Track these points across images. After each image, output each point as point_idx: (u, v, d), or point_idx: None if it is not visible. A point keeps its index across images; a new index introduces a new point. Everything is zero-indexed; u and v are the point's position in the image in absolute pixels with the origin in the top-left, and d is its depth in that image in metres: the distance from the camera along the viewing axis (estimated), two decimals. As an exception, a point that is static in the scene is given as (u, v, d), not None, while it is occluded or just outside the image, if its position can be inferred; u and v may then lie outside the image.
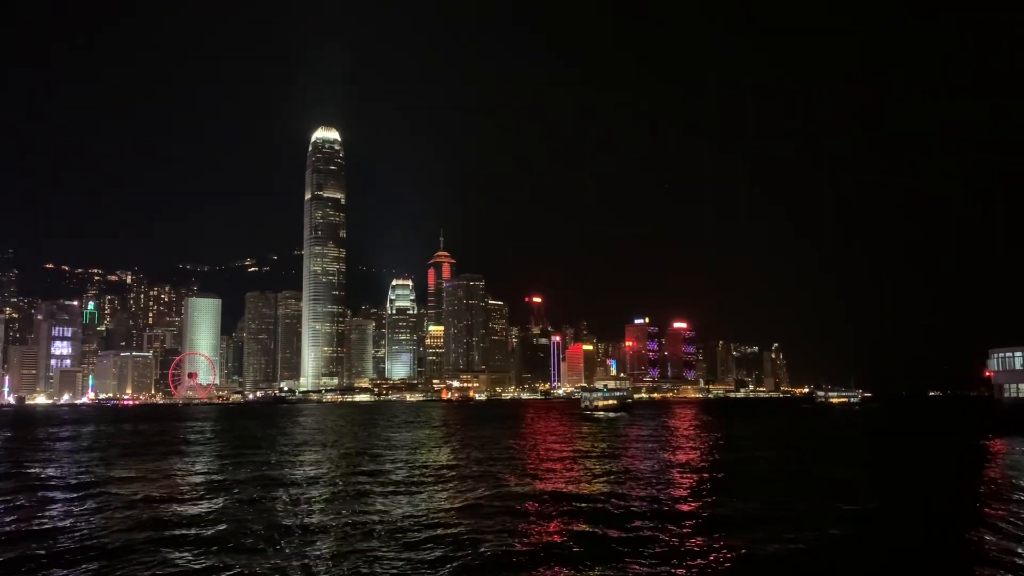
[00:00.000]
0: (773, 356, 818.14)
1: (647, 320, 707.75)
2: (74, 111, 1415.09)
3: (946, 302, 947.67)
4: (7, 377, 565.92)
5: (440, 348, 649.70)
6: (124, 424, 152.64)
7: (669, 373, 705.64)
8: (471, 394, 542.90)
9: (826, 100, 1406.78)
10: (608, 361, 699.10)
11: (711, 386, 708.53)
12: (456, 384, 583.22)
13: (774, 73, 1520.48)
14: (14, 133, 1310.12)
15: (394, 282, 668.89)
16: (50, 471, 53.92)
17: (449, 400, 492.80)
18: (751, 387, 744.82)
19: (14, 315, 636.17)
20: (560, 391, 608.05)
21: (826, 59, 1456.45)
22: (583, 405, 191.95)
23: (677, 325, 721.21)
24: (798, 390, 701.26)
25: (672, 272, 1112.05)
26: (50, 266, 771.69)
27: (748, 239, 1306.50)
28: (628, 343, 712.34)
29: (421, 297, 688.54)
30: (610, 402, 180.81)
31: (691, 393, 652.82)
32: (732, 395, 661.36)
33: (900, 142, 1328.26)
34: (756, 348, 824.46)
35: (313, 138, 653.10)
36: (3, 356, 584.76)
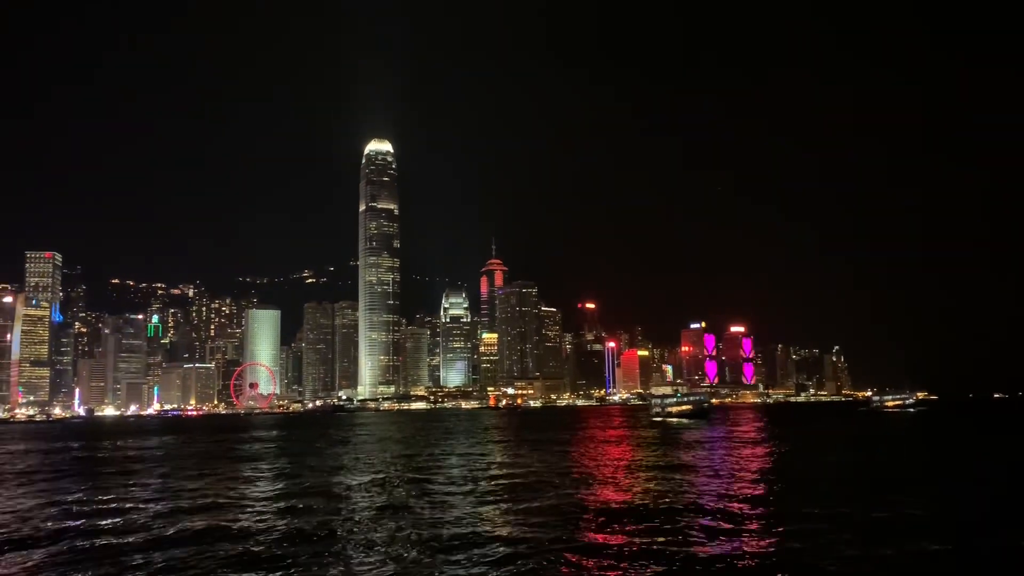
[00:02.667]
0: (834, 359, 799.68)
1: (703, 324, 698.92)
2: (133, 129, 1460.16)
3: (1018, 302, 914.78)
4: (77, 390, 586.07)
5: (494, 355, 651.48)
6: (192, 434, 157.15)
7: (727, 378, 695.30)
8: (519, 401, 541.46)
9: (890, 92, 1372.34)
10: (664, 367, 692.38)
11: (770, 390, 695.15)
12: (510, 391, 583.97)
13: (840, 64, 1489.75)
14: (78, 153, 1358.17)
15: (447, 291, 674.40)
16: (135, 480, 56.12)
17: (497, 407, 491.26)
18: (812, 391, 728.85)
19: (83, 329, 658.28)
20: (615, 397, 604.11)
21: (892, 49, 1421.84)
22: (653, 411, 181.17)
23: (734, 329, 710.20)
24: (860, 394, 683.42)
25: (729, 275, 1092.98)
26: (116, 281, 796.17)
27: (808, 240, 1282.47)
28: (684, 348, 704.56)
29: (474, 305, 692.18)
30: (685, 407, 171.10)
31: (750, 398, 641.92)
32: (792, 399, 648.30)
33: (966, 137, 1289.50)
34: (816, 351, 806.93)
35: (366, 150, 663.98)
36: (73, 369, 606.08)
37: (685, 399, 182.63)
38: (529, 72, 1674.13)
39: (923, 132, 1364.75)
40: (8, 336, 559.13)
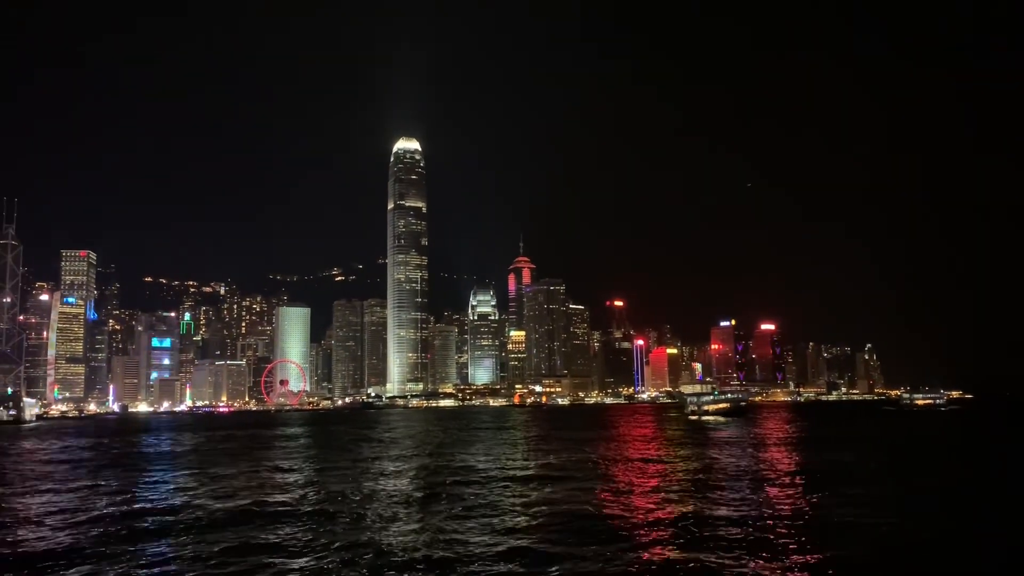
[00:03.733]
0: (866, 357, 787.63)
1: (733, 322, 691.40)
2: (167, 130, 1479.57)
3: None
4: (112, 386, 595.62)
5: (522, 353, 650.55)
6: (232, 430, 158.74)
7: (757, 376, 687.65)
8: (543, 400, 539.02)
9: (921, 86, 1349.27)
10: (693, 365, 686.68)
11: (801, 389, 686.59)
12: (538, 389, 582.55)
13: (868, 59, 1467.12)
14: (112, 153, 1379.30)
15: (475, 288, 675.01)
16: (169, 473, 56.76)
17: (522, 404, 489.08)
18: (843, 389, 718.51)
19: (117, 327, 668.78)
20: (644, 396, 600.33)
21: (925, 42, 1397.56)
22: (689, 409, 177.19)
23: (764, 327, 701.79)
24: (893, 392, 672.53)
25: (758, 273, 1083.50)
26: (149, 279, 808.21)
27: (838, 236, 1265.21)
28: (714, 346, 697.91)
29: (502, 302, 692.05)
30: (722, 406, 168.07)
31: (780, 396, 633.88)
32: (823, 398, 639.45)
33: (1004, 133, 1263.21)
34: (848, 349, 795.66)
35: (394, 149, 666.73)
36: (108, 366, 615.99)
37: (722, 397, 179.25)
38: (560, 69, 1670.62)
39: (958, 123, 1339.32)
40: (45, 333, 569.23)
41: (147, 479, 55.40)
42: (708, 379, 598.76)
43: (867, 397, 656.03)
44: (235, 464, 64.11)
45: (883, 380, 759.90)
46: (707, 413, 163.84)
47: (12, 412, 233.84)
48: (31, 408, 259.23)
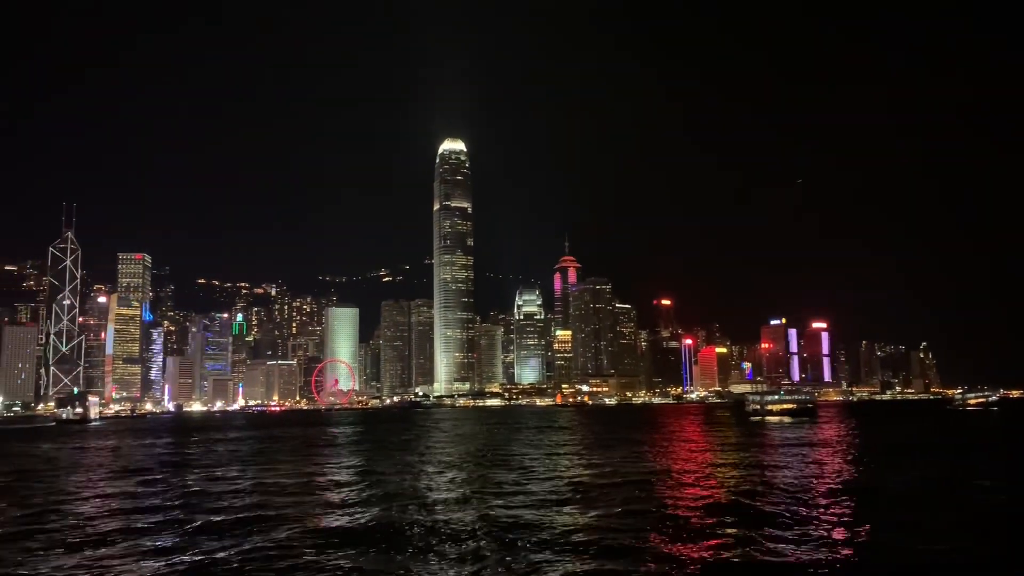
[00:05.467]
0: (921, 356, 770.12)
1: (783, 321, 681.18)
2: (218, 136, 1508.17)
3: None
4: (167, 386, 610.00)
5: (568, 353, 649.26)
6: (289, 428, 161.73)
7: (808, 375, 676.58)
8: (586, 399, 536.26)
9: (980, 81, 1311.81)
10: (744, 364, 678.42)
11: (854, 388, 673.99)
12: (585, 388, 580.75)
13: (915, 59, 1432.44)
14: (165, 158, 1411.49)
15: (521, 288, 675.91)
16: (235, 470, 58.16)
17: (564, 404, 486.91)
18: (898, 389, 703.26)
19: (171, 328, 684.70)
20: (693, 395, 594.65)
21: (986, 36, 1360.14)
22: (750, 409, 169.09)
23: (816, 325, 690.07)
24: (950, 391, 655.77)
25: (810, 270, 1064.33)
26: (202, 281, 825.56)
27: (893, 232, 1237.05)
28: (764, 345, 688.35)
29: (548, 302, 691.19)
30: (787, 406, 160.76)
31: (832, 396, 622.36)
32: (877, 397, 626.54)
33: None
34: (903, 347, 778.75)
35: (440, 150, 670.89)
36: (163, 366, 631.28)
37: (787, 397, 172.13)
38: (605, 69, 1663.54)
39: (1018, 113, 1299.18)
40: (103, 335, 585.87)
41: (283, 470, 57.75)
42: (758, 378, 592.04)
43: (922, 397, 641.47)
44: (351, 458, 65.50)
45: (939, 379, 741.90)
46: (770, 413, 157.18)
47: (78, 411, 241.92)
48: (95, 407, 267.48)
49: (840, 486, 44.54)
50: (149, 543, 30.32)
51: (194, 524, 34.05)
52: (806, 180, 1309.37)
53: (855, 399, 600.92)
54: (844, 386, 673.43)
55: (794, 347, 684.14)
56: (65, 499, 44.44)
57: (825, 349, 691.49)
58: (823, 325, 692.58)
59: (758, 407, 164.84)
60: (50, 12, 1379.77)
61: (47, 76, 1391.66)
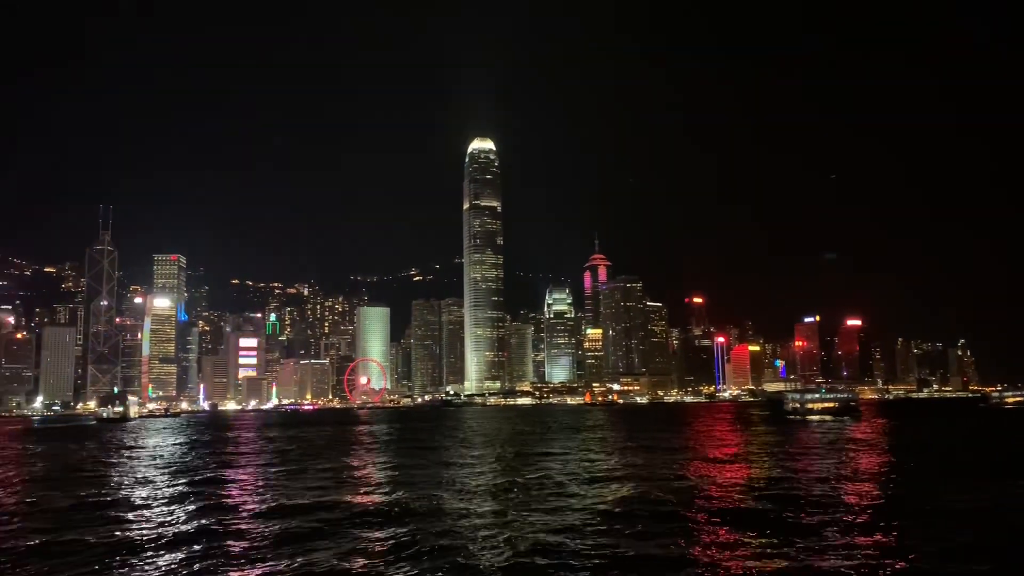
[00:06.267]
0: (960, 353, 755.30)
1: (818, 318, 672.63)
2: (249, 138, 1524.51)
3: None
4: (202, 385, 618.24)
5: (599, 351, 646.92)
6: (323, 427, 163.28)
7: (843, 373, 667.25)
8: (615, 397, 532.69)
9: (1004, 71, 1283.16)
10: (777, 362, 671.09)
11: (890, 386, 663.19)
12: (616, 387, 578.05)
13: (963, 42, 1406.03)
14: (199, 161, 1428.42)
15: (551, 286, 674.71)
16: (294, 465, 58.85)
17: (593, 403, 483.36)
18: (935, 387, 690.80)
19: (206, 328, 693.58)
20: (725, 394, 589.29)
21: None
22: (789, 407, 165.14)
23: (851, 322, 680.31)
24: (989, 389, 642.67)
25: (844, 267, 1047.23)
26: (236, 281, 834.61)
27: (928, 228, 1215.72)
28: (797, 343, 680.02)
29: (578, 301, 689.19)
30: (829, 404, 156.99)
31: (868, 394, 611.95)
32: (914, 395, 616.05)
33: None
34: (940, 345, 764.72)
35: (469, 149, 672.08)
36: (198, 366, 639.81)
37: (829, 395, 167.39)
38: (636, 67, 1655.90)
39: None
40: (139, 335, 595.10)
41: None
42: (792, 377, 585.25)
43: (960, 395, 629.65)
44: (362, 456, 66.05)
45: (978, 377, 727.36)
46: (811, 412, 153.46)
47: (118, 410, 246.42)
48: (134, 407, 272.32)
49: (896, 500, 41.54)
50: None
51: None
52: (840, 175, 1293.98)
53: (891, 397, 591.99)
54: (880, 384, 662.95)
55: (828, 345, 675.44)
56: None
57: (860, 347, 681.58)
58: (858, 322, 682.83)
59: (798, 406, 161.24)
60: (83, 12, 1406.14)
61: (83, 78, 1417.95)
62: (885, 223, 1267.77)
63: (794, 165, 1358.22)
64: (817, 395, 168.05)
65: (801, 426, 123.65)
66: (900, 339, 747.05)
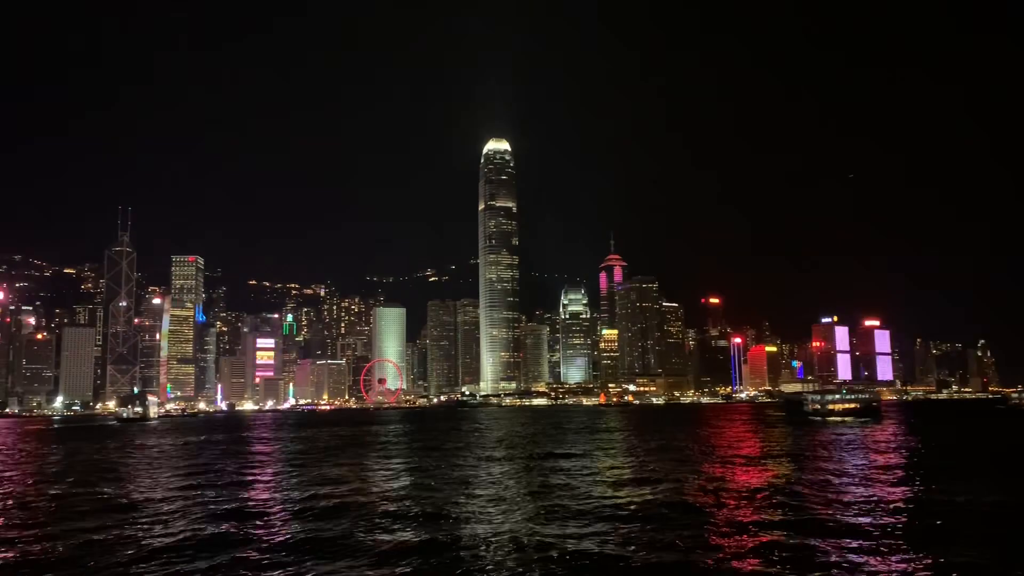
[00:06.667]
0: (979, 354, 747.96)
1: (835, 319, 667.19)
2: (267, 141, 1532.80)
3: None
4: (219, 385, 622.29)
5: (615, 352, 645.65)
6: (365, 427, 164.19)
7: (861, 374, 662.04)
8: (630, 398, 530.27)
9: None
10: (794, 363, 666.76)
11: (908, 387, 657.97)
12: (632, 388, 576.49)
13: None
14: (216, 163, 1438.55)
15: (566, 287, 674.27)
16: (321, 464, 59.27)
17: (608, 404, 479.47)
18: (954, 388, 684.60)
19: (224, 328, 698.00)
20: (742, 395, 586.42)
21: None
22: (809, 408, 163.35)
23: (868, 323, 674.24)
24: (1010, 390, 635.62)
25: (862, 267, 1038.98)
26: (253, 282, 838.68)
27: (947, 228, 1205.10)
28: (815, 343, 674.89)
29: (593, 301, 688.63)
30: (850, 405, 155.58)
31: (886, 395, 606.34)
32: (933, 396, 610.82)
33: None
34: (959, 345, 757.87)
35: (485, 150, 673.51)
36: (216, 366, 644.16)
37: (850, 396, 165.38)
38: (649, 66, 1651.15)
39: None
40: (158, 335, 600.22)
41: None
42: (809, 377, 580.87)
43: (981, 396, 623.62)
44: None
45: (999, 378, 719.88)
46: (832, 414, 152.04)
47: (137, 410, 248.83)
48: (154, 407, 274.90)
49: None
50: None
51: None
52: (859, 175, 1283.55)
53: (910, 398, 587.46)
54: (898, 385, 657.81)
55: (846, 345, 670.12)
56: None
57: (878, 347, 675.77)
58: (876, 322, 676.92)
59: (818, 407, 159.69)
60: (100, 12, 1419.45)
61: (101, 80, 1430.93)
62: (904, 223, 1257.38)
63: (813, 164, 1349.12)
64: (838, 396, 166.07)
65: (822, 427, 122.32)
66: (919, 340, 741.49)
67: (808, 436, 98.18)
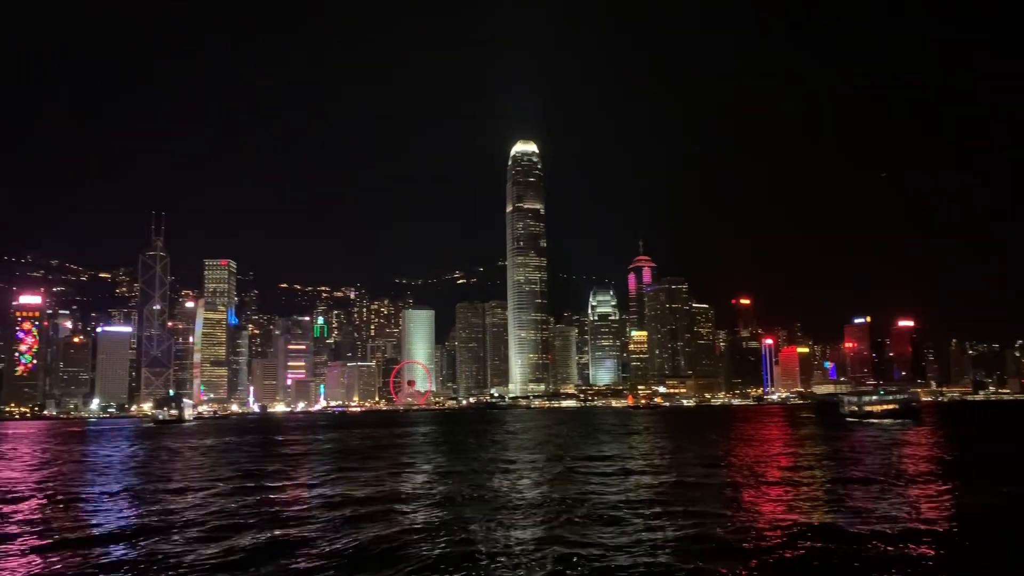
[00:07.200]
0: (1017, 354, 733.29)
1: (868, 319, 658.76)
2: (297, 146, 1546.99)
3: None
4: (252, 388, 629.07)
5: (644, 353, 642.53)
6: (402, 428, 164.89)
7: (895, 375, 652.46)
8: (659, 400, 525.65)
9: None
10: (826, 364, 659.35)
11: (944, 388, 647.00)
12: (662, 389, 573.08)
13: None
14: (248, 169, 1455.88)
15: (595, 288, 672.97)
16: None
17: (636, 406, 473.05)
18: (991, 388, 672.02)
19: (256, 331, 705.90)
20: (774, 396, 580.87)
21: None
22: (846, 409, 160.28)
23: (902, 323, 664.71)
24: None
25: (895, 267, 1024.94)
26: (284, 285, 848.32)
27: (983, 225, 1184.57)
28: (847, 344, 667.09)
29: (622, 303, 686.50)
30: (888, 406, 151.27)
31: (922, 396, 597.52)
32: (969, 398, 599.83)
33: None
34: (996, 346, 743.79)
35: (512, 152, 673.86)
36: (248, 368, 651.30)
37: (888, 397, 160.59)
38: (680, 66, 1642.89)
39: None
40: (191, 338, 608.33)
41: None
42: (842, 379, 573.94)
43: (1019, 397, 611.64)
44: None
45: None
46: (869, 415, 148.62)
47: (173, 412, 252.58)
48: (189, 408, 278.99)
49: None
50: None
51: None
52: (891, 172, 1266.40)
53: (945, 399, 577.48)
54: (933, 386, 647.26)
55: (879, 346, 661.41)
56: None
57: (913, 348, 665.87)
58: (910, 323, 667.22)
59: (855, 408, 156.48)
60: (131, 12, 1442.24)
61: (132, 89, 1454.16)
62: (937, 221, 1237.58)
63: (844, 165, 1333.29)
64: (876, 396, 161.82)
65: (861, 428, 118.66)
66: (954, 340, 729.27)
67: (849, 439, 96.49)
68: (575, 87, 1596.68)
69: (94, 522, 36.59)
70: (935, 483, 46.94)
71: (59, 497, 46.51)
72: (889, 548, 27.79)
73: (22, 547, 30.31)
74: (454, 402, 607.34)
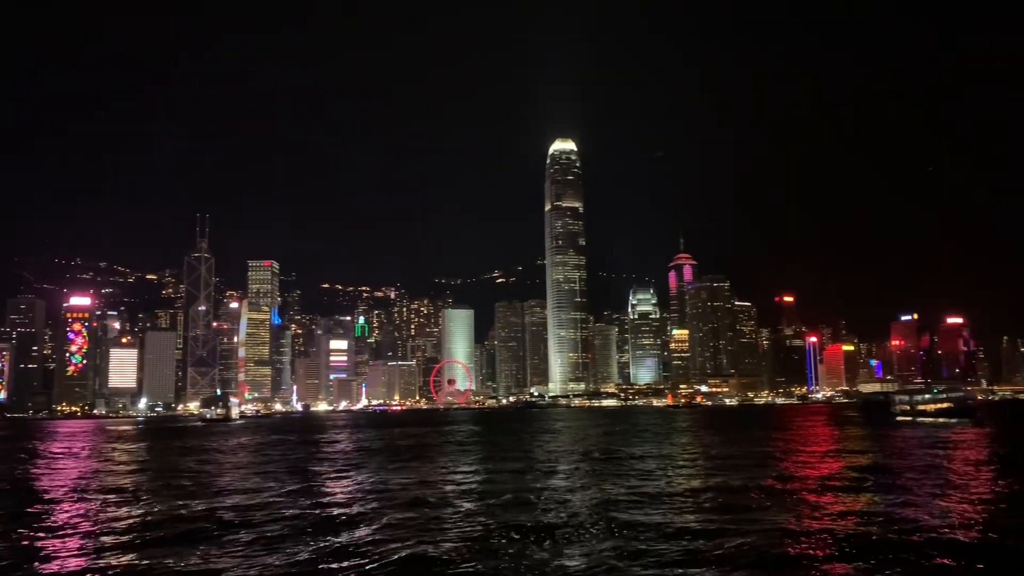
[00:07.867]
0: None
1: (915, 316, 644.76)
2: (337, 150, 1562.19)
3: None
4: (295, 387, 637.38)
5: (685, 352, 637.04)
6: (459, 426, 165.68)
7: (943, 373, 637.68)
8: (699, 399, 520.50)
9: None
10: (872, 362, 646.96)
11: (995, 387, 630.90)
12: (704, 388, 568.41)
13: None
14: (290, 173, 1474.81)
15: (635, 287, 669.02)
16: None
17: (676, 405, 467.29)
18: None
19: (298, 331, 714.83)
20: (818, 395, 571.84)
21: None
22: (897, 409, 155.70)
23: (951, 320, 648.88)
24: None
25: (944, 263, 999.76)
26: (326, 286, 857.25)
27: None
28: (894, 342, 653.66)
29: (663, 301, 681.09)
30: (943, 405, 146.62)
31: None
32: (1022, 396, 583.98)
33: None
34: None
35: (551, 150, 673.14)
36: (291, 368, 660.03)
37: (942, 395, 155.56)
38: (720, 64, 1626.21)
39: None
40: (236, 338, 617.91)
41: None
42: (888, 377, 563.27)
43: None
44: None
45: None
46: (923, 414, 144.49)
47: (220, 411, 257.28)
48: (235, 408, 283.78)
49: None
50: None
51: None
52: (937, 167, 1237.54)
53: (996, 398, 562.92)
54: (984, 384, 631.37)
55: (927, 344, 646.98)
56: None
57: (962, 345, 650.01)
58: (959, 320, 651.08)
59: (907, 407, 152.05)
60: (174, 13, 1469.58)
61: (176, 91, 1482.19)
62: (986, 216, 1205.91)
63: (890, 160, 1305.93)
64: (928, 395, 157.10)
65: (915, 429, 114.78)
66: (1005, 337, 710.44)
67: (906, 439, 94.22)
68: (614, 84, 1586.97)
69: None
70: (1010, 485, 45.43)
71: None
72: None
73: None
74: (494, 401, 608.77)
